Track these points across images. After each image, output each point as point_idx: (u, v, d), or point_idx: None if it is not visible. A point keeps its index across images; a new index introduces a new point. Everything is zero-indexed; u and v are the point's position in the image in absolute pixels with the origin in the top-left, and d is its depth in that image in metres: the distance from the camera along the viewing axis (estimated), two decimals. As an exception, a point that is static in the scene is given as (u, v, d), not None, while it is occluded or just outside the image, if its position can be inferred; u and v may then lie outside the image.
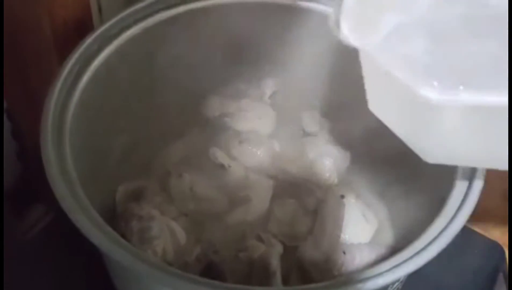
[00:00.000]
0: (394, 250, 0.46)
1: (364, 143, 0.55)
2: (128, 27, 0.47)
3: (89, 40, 0.45)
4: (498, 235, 0.70)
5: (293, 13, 0.53)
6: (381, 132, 0.53)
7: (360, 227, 0.49)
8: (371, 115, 0.53)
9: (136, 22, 0.48)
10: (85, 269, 0.51)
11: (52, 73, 0.43)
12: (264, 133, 0.56)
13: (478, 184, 0.40)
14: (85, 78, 0.44)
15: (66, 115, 0.42)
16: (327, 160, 0.54)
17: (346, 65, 0.54)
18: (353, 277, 0.35)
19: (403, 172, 0.49)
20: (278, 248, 0.44)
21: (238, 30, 0.55)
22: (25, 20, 0.45)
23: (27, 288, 0.49)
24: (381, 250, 0.44)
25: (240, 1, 0.53)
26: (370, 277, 0.35)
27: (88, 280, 0.51)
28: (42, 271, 0.51)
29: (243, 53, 0.57)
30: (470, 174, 0.41)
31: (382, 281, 0.35)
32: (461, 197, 0.40)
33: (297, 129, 0.58)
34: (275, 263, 0.43)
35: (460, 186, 0.41)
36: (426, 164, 0.34)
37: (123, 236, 0.42)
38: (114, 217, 0.45)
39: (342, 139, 0.57)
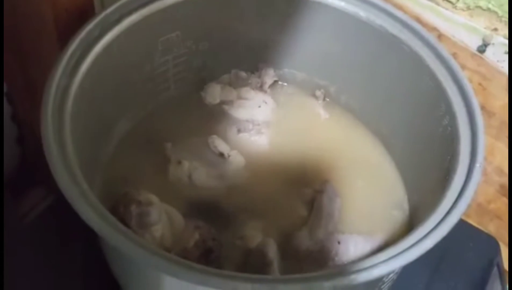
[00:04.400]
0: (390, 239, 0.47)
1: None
2: (129, 13, 0.47)
3: (90, 26, 0.44)
4: (493, 229, 0.71)
5: (297, 3, 0.53)
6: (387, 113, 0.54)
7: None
8: (376, 103, 0.54)
9: (137, 8, 0.48)
10: (83, 253, 0.52)
11: (53, 59, 0.43)
12: (263, 122, 0.56)
13: (476, 179, 0.40)
14: (86, 63, 0.44)
15: (67, 100, 0.41)
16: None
17: (346, 54, 0.55)
18: (348, 268, 0.35)
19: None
20: (275, 238, 0.45)
21: (240, 18, 0.55)
22: (26, 6, 0.45)
23: (25, 270, 0.49)
24: (375, 242, 0.44)
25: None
26: (365, 268, 0.35)
27: (86, 264, 0.52)
28: (40, 254, 0.51)
29: (244, 41, 0.57)
30: (468, 168, 0.42)
31: (377, 272, 0.35)
32: (458, 191, 0.40)
33: (297, 118, 0.59)
34: (272, 253, 0.43)
35: (458, 180, 0.41)
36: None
37: (122, 220, 0.42)
38: (113, 202, 0.45)
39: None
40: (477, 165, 0.41)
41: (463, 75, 0.47)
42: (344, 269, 0.35)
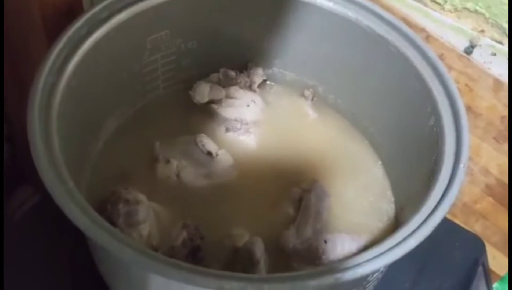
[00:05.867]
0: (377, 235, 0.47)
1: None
2: (118, 11, 0.47)
3: (78, 23, 0.44)
4: (479, 228, 0.72)
5: (286, 3, 0.54)
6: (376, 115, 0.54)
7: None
8: (363, 103, 0.54)
9: (126, 6, 0.48)
10: (71, 250, 0.52)
11: (41, 56, 0.42)
12: (252, 121, 0.56)
13: (459, 179, 0.41)
14: (73, 62, 0.43)
15: (54, 99, 0.41)
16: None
17: (334, 54, 0.55)
18: (333, 267, 0.35)
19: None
20: (263, 237, 0.45)
21: (229, 17, 0.55)
22: (14, 3, 0.45)
23: (13, 268, 0.49)
24: (362, 241, 0.44)
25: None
26: (350, 266, 0.35)
27: (74, 261, 0.52)
28: (28, 252, 0.51)
29: (233, 40, 0.57)
30: (452, 168, 0.42)
31: (361, 271, 0.35)
32: (442, 191, 0.40)
33: (285, 118, 0.59)
34: (259, 252, 0.43)
35: (442, 180, 0.41)
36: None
37: (109, 219, 0.42)
38: (101, 201, 0.45)
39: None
40: (461, 165, 0.41)
41: (449, 76, 0.47)
42: (329, 268, 0.35)
